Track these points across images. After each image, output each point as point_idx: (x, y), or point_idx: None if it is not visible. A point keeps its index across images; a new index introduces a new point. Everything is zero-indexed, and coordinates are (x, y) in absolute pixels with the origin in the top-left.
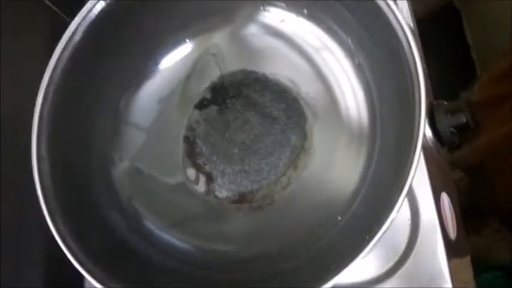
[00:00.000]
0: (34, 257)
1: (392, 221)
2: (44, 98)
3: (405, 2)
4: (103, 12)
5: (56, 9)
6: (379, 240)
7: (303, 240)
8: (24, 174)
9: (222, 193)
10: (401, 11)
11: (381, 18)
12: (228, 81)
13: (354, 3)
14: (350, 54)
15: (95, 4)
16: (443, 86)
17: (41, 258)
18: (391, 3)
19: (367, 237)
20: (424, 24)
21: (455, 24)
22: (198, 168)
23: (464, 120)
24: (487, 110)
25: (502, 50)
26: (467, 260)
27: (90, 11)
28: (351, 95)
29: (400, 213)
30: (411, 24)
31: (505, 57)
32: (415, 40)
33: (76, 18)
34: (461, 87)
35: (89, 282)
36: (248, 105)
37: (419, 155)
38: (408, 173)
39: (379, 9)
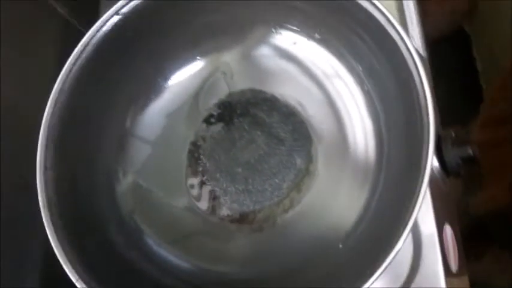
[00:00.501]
0: (33, 258)
1: (394, 256)
2: (53, 107)
3: (417, 29)
4: (116, 27)
5: (68, 17)
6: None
7: (302, 267)
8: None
9: (224, 212)
10: (412, 39)
11: (391, 48)
12: (236, 99)
13: (365, 31)
14: (360, 81)
15: (109, 18)
16: (451, 109)
17: (39, 260)
18: (403, 33)
19: (368, 271)
20: (433, 47)
21: (465, 49)
22: (201, 185)
23: (471, 152)
24: (488, 151)
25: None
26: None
27: (104, 24)
28: (359, 122)
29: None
30: (423, 53)
31: (502, 99)
32: (426, 70)
33: (90, 31)
34: (469, 111)
35: None
36: (255, 124)
37: (426, 189)
38: (414, 207)
39: (390, 39)
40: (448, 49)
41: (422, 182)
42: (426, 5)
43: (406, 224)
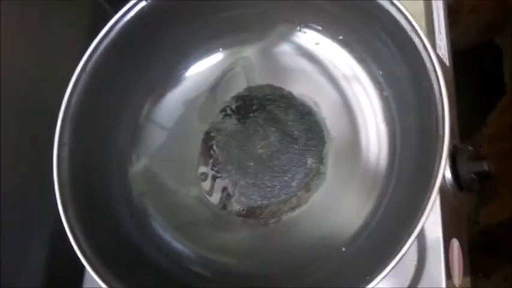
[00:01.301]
0: (34, 257)
1: (395, 265)
2: (74, 87)
3: (444, 38)
4: (142, 13)
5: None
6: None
7: (303, 267)
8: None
9: (232, 204)
10: (438, 48)
11: (414, 55)
12: (254, 94)
13: (389, 36)
14: (379, 86)
15: (136, 3)
16: (475, 120)
17: (40, 259)
18: (426, 41)
19: (367, 278)
20: (462, 58)
21: (495, 62)
22: (212, 175)
23: (486, 168)
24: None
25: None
26: None
27: (130, 10)
28: (374, 127)
29: (408, 253)
30: (447, 63)
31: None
32: (449, 81)
33: (116, 16)
34: None
35: (88, 283)
36: (270, 120)
37: (435, 200)
38: (420, 217)
39: (413, 46)
40: (477, 60)
41: (431, 193)
42: (458, 14)
43: (411, 234)
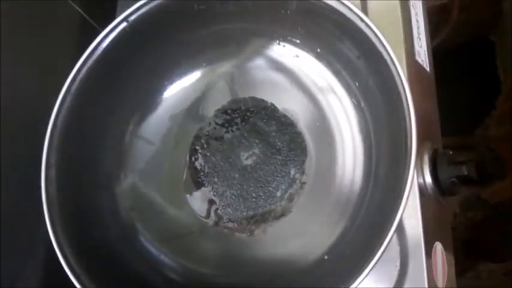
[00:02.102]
0: (33, 257)
1: (368, 273)
2: (59, 107)
3: (424, 44)
4: (124, 33)
5: (86, 15)
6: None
7: (286, 275)
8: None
9: (217, 215)
10: (418, 55)
11: (384, 69)
12: (238, 106)
13: (361, 52)
14: (355, 98)
15: (118, 25)
16: (469, 116)
17: (39, 260)
18: (393, 56)
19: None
20: (456, 54)
21: (489, 57)
22: (199, 187)
23: (466, 172)
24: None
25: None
26: None
27: (112, 31)
28: (350, 139)
29: (390, 258)
30: (428, 68)
31: None
32: (430, 85)
33: (98, 37)
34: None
35: None
36: (254, 132)
37: (404, 207)
38: (391, 225)
39: (382, 60)
40: (470, 56)
41: (401, 202)
42: (449, 13)
43: (382, 243)
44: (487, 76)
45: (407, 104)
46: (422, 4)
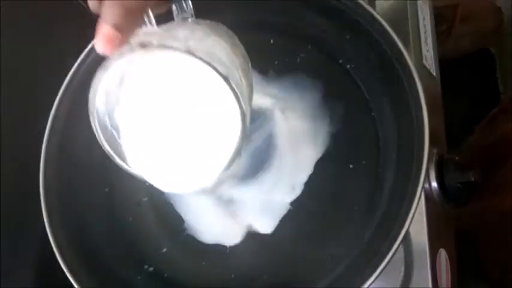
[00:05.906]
0: (29, 257)
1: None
2: (58, 107)
3: (431, 48)
4: None
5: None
6: None
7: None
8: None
9: None
10: (425, 59)
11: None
12: None
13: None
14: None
15: None
16: (467, 127)
17: (35, 259)
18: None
19: None
20: (456, 65)
21: (489, 69)
22: None
23: (473, 179)
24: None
25: None
26: None
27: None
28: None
29: (395, 264)
30: (434, 73)
31: None
32: (436, 91)
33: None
34: None
35: None
36: None
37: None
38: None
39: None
40: (471, 67)
41: (410, 207)
42: (451, 24)
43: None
44: (486, 87)
45: (422, 111)
46: (430, 8)
